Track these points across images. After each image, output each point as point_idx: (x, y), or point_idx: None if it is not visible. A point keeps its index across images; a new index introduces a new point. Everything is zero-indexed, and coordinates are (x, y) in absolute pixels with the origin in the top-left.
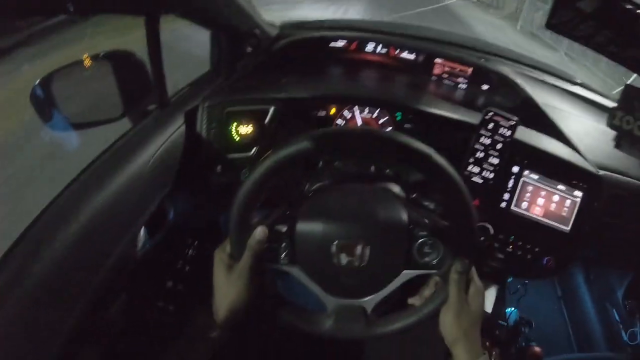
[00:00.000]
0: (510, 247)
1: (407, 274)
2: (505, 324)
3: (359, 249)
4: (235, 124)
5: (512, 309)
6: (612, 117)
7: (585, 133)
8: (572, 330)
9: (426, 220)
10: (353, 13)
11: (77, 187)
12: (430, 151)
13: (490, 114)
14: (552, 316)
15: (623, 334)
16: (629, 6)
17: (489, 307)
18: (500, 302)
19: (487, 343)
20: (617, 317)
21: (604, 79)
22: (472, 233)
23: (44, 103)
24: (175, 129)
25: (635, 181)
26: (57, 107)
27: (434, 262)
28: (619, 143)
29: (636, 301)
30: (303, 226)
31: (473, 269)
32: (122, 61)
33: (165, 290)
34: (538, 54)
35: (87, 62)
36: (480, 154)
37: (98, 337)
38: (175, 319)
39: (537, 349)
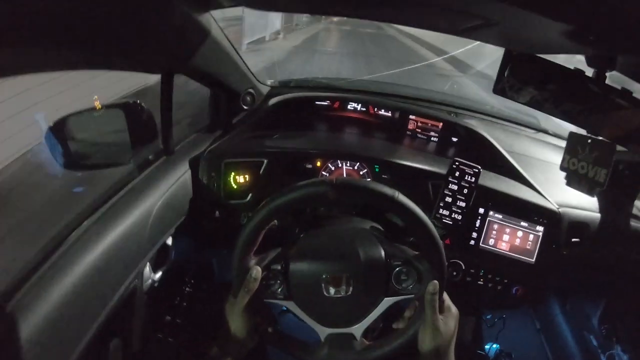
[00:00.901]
0: (482, 280)
1: (388, 300)
2: (484, 354)
3: (343, 279)
4: (232, 174)
5: (492, 344)
6: (562, 160)
7: (546, 174)
8: (553, 359)
9: (400, 252)
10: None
11: (93, 221)
12: (395, 193)
13: (456, 163)
14: (532, 348)
15: (602, 357)
16: (560, 73)
17: (468, 340)
18: (478, 335)
19: None
20: (594, 343)
21: None
22: (440, 256)
23: (57, 143)
24: (179, 176)
25: (592, 214)
26: (68, 147)
27: (411, 287)
28: (569, 182)
29: (611, 325)
30: (295, 265)
31: (446, 295)
32: (131, 110)
33: (164, 323)
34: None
35: (100, 109)
36: (449, 199)
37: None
38: (173, 350)
39: None
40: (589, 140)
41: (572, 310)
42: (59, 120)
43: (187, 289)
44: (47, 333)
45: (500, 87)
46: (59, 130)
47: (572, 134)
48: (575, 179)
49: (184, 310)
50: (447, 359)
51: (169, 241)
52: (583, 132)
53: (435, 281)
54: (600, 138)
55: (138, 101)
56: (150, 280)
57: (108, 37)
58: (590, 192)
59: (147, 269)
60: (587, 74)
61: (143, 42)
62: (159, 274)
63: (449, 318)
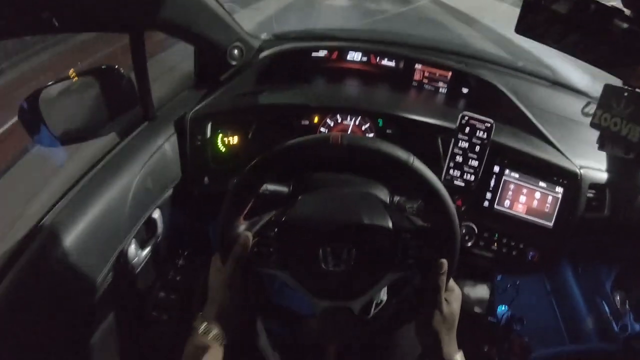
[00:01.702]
0: (496, 244)
1: (392, 275)
2: (497, 321)
3: (345, 252)
4: (220, 136)
5: (504, 307)
6: (593, 115)
7: (565, 131)
8: (564, 324)
9: (410, 223)
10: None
11: (68, 201)
12: (410, 157)
13: (466, 118)
14: (544, 312)
15: (614, 325)
16: (594, 7)
17: (481, 306)
18: (490, 301)
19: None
20: (607, 310)
21: None
22: (454, 234)
23: (32, 118)
24: (162, 142)
25: (614, 175)
26: (44, 122)
27: (418, 263)
28: (598, 140)
29: (624, 292)
30: (290, 231)
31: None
32: (107, 76)
33: (157, 300)
34: None
35: (74, 78)
36: (459, 158)
37: (94, 346)
38: (169, 328)
39: (525, 340)
40: (626, 93)
41: (585, 274)
42: (31, 95)
43: (180, 262)
44: (32, 323)
45: (524, 25)
46: (32, 106)
47: (607, 85)
48: (607, 138)
49: (178, 285)
50: (449, 341)
51: (156, 214)
52: (619, 83)
53: (444, 260)
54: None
55: (115, 66)
56: (137, 258)
57: None
58: (625, 153)
59: (133, 246)
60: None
61: None
62: (146, 250)
63: (453, 299)
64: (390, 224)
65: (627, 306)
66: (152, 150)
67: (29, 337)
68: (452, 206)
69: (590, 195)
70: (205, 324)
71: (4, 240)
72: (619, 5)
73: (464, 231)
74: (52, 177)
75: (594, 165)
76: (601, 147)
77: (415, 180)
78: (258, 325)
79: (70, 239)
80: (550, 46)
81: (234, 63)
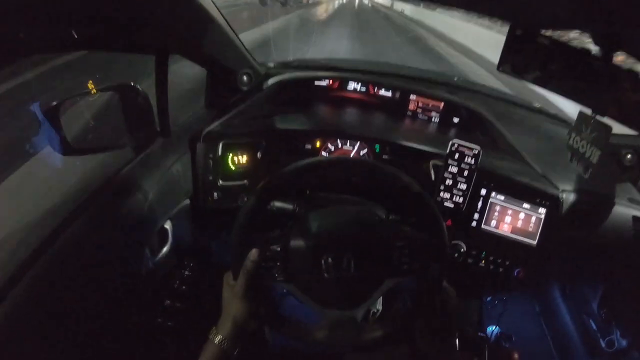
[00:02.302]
0: (483, 262)
1: (389, 282)
2: (485, 336)
3: (344, 261)
4: (230, 155)
5: (494, 327)
6: (568, 137)
7: (548, 156)
8: (553, 342)
9: (403, 233)
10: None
11: (88, 211)
12: (398, 171)
13: (456, 145)
14: (532, 331)
15: (601, 341)
16: (568, 50)
17: (470, 324)
18: (479, 318)
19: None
20: (594, 327)
21: None
22: (442, 235)
23: (52, 129)
24: (176, 158)
25: (594, 198)
26: (63, 132)
27: (413, 267)
28: (571, 159)
29: (611, 309)
30: (295, 246)
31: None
32: (125, 93)
33: (164, 307)
34: None
35: (94, 92)
36: (449, 182)
37: (103, 350)
38: (173, 334)
39: (515, 354)
40: (592, 120)
41: (572, 294)
42: (52, 106)
43: (186, 272)
44: (48, 322)
45: (505, 65)
46: (53, 117)
47: (581, 112)
48: (575, 157)
49: (184, 294)
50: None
51: (167, 225)
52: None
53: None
54: (604, 119)
55: (133, 83)
56: (149, 265)
57: (103, 17)
58: (584, 172)
59: (146, 254)
60: (593, 53)
61: (137, 21)
62: (157, 259)
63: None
64: (384, 234)
65: (614, 323)
66: (167, 165)
67: (40, 342)
68: (437, 210)
69: (572, 216)
70: (219, 336)
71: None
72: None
73: (452, 250)
74: (68, 187)
75: (575, 188)
76: (570, 161)
77: (402, 190)
78: (267, 336)
79: (88, 244)
80: (528, 82)
81: (243, 88)
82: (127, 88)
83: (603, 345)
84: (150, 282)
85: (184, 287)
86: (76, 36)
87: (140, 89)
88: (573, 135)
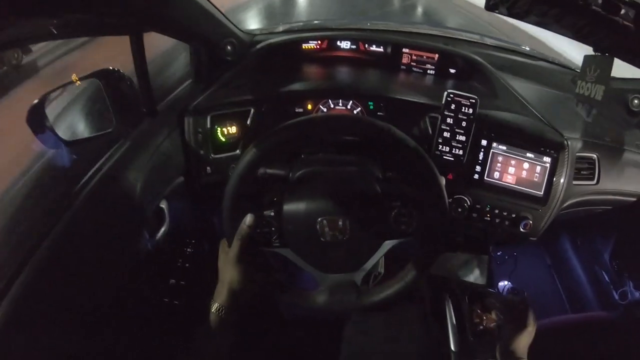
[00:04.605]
0: (488, 215)
1: (388, 243)
2: (497, 291)
3: (340, 222)
4: (220, 127)
5: (505, 282)
6: (576, 86)
7: (550, 103)
8: (565, 295)
9: (399, 191)
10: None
11: (79, 199)
12: (389, 126)
13: (451, 95)
14: (544, 284)
15: (614, 293)
16: None
17: (479, 278)
18: (489, 273)
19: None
20: (606, 278)
21: None
22: (440, 195)
23: (40, 124)
24: (165, 137)
25: (601, 144)
26: (51, 126)
27: (411, 229)
28: (578, 106)
29: (623, 261)
30: (289, 209)
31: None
32: (108, 78)
33: (169, 287)
34: None
35: (77, 82)
36: (447, 134)
37: (110, 334)
38: (181, 312)
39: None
40: (595, 58)
41: (583, 245)
42: (37, 102)
43: (188, 250)
44: (49, 309)
45: (493, 2)
46: (39, 112)
47: (586, 56)
48: (580, 102)
49: (188, 272)
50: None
51: (163, 205)
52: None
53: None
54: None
55: (113, 67)
56: (148, 246)
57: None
58: (587, 115)
59: (143, 235)
60: None
61: (107, 3)
62: (156, 239)
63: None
64: (380, 193)
65: (626, 274)
66: (156, 145)
67: (43, 322)
68: (431, 163)
69: (579, 164)
70: (216, 303)
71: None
72: None
73: (455, 204)
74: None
75: (581, 135)
76: (576, 106)
77: (395, 146)
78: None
79: (83, 233)
80: (520, 20)
81: (228, 58)
82: (109, 73)
83: (616, 297)
84: (151, 263)
85: (187, 264)
86: (53, 29)
87: (122, 72)
88: (580, 82)
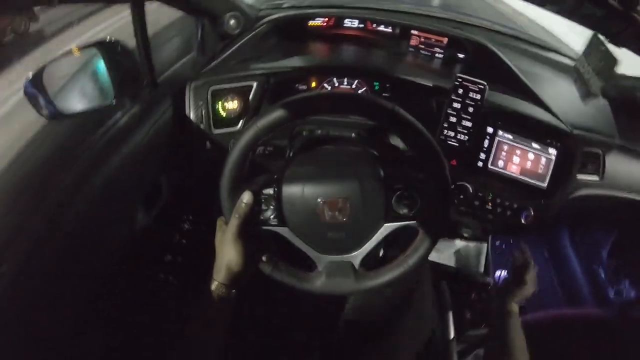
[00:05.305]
0: (490, 204)
1: (388, 226)
2: (494, 282)
3: (340, 202)
4: (221, 101)
5: (502, 271)
6: (577, 60)
7: (558, 94)
8: (561, 289)
9: (401, 174)
10: None
11: (76, 170)
12: (394, 106)
13: (460, 80)
14: (541, 277)
15: (610, 291)
16: None
17: (476, 265)
18: (486, 261)
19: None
20: (603, 276)
21: None
22: (444, 180)
23: (38, 95)
24: (165, 110)
25: (608, 139)
26: (50, 98)
27: (412, 213)
28: (574, 81)
29: (620, 259)
30: (288, 188)
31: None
32: (108, 48)
33: (164, 263)
34: None
35: (76, 53)
36: (453, 119)
37: (106, 310)
38: (177, 288)
39: None
40: (603, 47)
41: (582, 240)
42: (36, 71)
43: (185, 226)
44: (42, 284)
45: None
46: (38, 82)
47: (594, 35)
48: (578, 81)
49: (185, 248)
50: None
51: (162, 180)
52: None
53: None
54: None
55: (113, 38)
56: (144, 221)
57: None
58: (583, 99)
59: (140, 210)
60: None
61: None
62: (153, 214)
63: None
64: (382, 176)
65: (623, 272)
66: (155, 117)
67: (40, 298)
68: (436, 146)
69: (585, 159)
70: (215, 282)
71: None
72: None
73: (457, 191)
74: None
75: (588, 128)
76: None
77: (400, 126)
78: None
79: (78, 205)
80: (536, 5)
81: (232, 32)
82: (109, 43)
83: (611, 295)
84: (147, 239)
85: (184, 241)
86: None
87: (122, 42)
88: (582, 58)
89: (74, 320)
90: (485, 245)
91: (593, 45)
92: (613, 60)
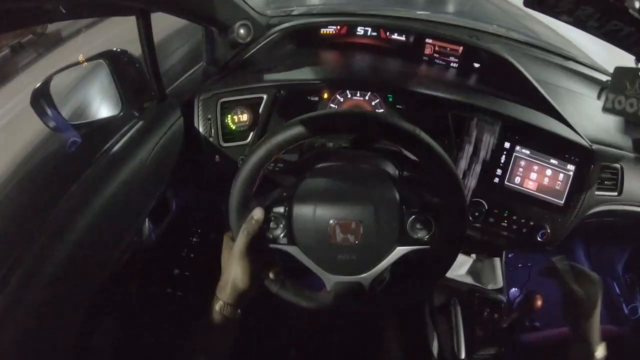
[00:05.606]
0: (505, 221)
1: (400, 250)
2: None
3: (352, 225)
4: (230, 114)
5: (516, 289)
6: (605, 100)
7: (578, 107)
8: None
9: (417, 198)
10: None
11: (83, 183)
12: (416, 130)
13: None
14: (554, 292)
15: (624, 307)
16: None
17: (490, 283)
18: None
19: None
20: (617, 291)
21: None
22: (462, 209)
23: (45, 106)
24: (173, 122)
25: (627, 154)
26: (56, 108)
27: (426, 238)
28: (619, 124)
29: (636, 275)
30: (299, 207)
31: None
32: (116, 60)
33: (172, 277)
34: None
35: (83, 63)
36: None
37: (112, 325)
38: (184, 303)
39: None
40: (638, 73)
41: (597, 255)
42: (42, 83)
43: (193, 239)
44: (48, 299)
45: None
46: (44, 94)
47: (618, 68)
48: (624, 120)
49: (192, 262)
50: (590, 326)
51: (169, 193)
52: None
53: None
54: None
55: (119, 49)
56: (151, 235)
57: None
58: (601, 112)
59: (147, 224)
60: None
61: None
62: (160, 228)
63: (589, 287)
64: (397, 198)
65: (638, 289)
66: (163, 130)
67: (45, 312)
68: (457, 175)
69: (603, 174)
70: (220, 301)
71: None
72: None
73: (472, 207)
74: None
75: (607, 143)
76: (619, 128)
77: (420, 150)
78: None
79: (85, 219)
80: (561, 19)
81: (242, 41)
82: (117, 54)
83: (625, 311)
84: (154, 253)
85: (192, 255)
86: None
87: (130, 53)
88: (612, 96)
89: (79, 334)
90: (498, 261)
91: (621, 77)
92: None
